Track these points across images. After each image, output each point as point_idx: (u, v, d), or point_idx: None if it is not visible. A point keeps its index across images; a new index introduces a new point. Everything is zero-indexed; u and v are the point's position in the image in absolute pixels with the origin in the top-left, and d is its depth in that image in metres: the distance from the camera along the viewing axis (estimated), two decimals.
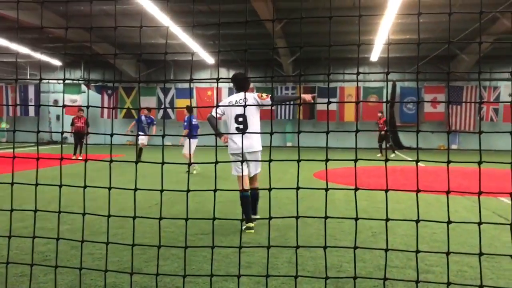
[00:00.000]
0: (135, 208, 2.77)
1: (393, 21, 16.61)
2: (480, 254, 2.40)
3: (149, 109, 15.64)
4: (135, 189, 2.77)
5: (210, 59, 24.44)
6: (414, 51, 22.73)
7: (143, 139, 14.85)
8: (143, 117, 15.29)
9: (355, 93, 25.41)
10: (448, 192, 2.47)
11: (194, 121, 12.58)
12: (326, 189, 2.60)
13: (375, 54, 22.84)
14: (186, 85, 27.32)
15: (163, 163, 2.76)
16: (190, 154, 8.85)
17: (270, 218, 2.64)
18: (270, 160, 2.67)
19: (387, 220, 2.52)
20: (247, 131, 5.48)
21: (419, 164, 2.63)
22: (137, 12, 16.74)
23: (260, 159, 5.33)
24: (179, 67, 27.30)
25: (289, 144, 26.82)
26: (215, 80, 3.13)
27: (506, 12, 10.59)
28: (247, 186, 5.54)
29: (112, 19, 18.44)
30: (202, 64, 26.06)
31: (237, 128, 5.59)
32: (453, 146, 24.95)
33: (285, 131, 26.40)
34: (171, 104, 27.01)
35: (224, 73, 26.57)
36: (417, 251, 2.51)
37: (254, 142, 5.58)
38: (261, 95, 5.65)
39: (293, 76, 3.57)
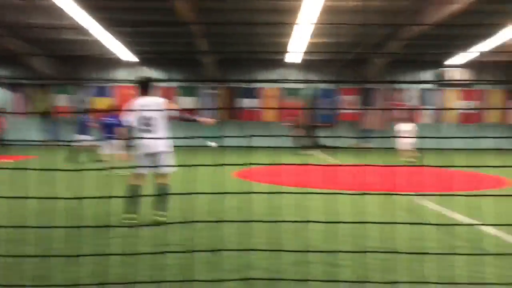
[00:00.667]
0: None
1: (311, 24, 17.24)
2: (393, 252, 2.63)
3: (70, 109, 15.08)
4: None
5: (132, 57, 23.84)
6: (331, 54, 23.75)
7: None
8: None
9: (275, 94, 26.08)
10: (361, 193, 2.70)
11: (113, 120, 12.24)
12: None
13: (293, 56, 23.59)
14: (105, 83, 26.44)
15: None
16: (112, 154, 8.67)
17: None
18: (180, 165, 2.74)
19: (291, 221, 2.69)
20: (155, 132, 5.98)
21: (337, 161, 2.83)
22: (51, 6, 15.96)
23: (168, 160, 6.03)
24: (97, 64, 26.36)
25: (213, 144, 26.79)
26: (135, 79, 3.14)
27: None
28: (139, 182, 6.00)
29: (24, 13, 17.43)
30: (122, 61, 25.36)
31: (144, 130, 6.00)
32: (369, 145, 26.33)
33: (208, 131, 26.44)
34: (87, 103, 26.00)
35: (145, 71, 26.07)
36: (339, 251, 2.70)
37: (161, 144, 5.94)
38: (171, 104, 6.31)
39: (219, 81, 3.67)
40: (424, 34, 18.98)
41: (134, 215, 5.80)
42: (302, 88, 26.47)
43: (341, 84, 26.57)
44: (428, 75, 27.00)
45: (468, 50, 22.07)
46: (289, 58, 24.18)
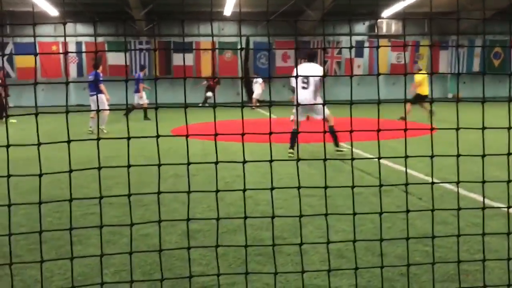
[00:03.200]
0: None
1: None
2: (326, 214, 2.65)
3: None
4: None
5: (53, 11, 22.28)
6: (263, 6, 23.40)
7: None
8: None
9: (211, 47, 25.57)
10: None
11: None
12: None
13: (229, 8, 23.03)
14: (25, 40, 24.72)
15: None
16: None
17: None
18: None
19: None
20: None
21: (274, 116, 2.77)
22: None
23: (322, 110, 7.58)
24: (17, 18, 24.48)
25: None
26: (60, 34, 2.88)
27: None
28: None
29: None
30: (44, 15, 23.67)
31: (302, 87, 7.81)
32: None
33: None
34: (9, 61, 24.29)
35: (70, 27, 24.55)
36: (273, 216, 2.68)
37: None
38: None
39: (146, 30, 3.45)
40: None
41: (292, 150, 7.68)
42: (237, 42, 26.09)
43: (276, 37, 26.41)
44: (362, 27, 27.38)
45: (399, 1, 22.48)
46: (226, 10, 23.56)
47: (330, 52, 26.56)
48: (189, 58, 25.86)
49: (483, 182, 2.59)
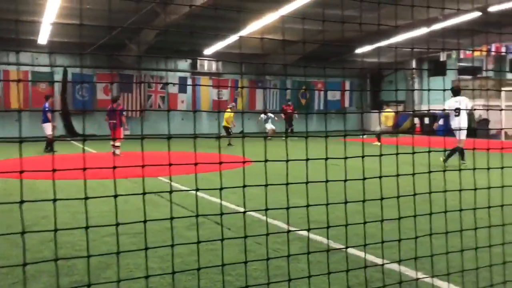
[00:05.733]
0: None
1: (60, 4, 16.00)
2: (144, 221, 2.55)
3: None
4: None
5: None
6: (83, 37, 22.58)
7: None
8: None
9: (24, 77, 23.44)
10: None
11: None
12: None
13: (44, 36, 21.61)
14: None
15: None
16: None
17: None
18: None
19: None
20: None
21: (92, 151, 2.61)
22: None
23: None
24: None
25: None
26: None
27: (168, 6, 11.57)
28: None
29: None
30: None
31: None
32: (126, 132, 26.02)
33: None
34: None
35: None
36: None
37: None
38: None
39: None
40: (178, 24, 19.62)
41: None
42: (52, 72, 24.49)
43: (98, 70, 25.49)
44: (185, 64, 28.15)
45: (219, 41, 23.76)
46: (42, 39, 21.96)
47: (154, 87, 26.66)
48: None
49: (287, 208, 2.84)
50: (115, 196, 2.30)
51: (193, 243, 2.65)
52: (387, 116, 19.74)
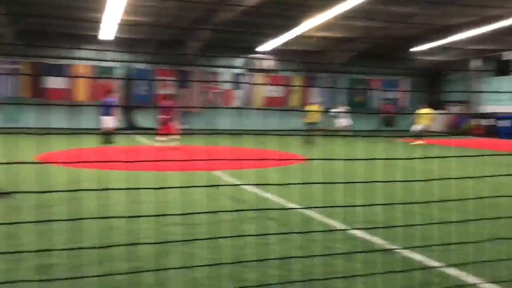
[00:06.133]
0: None
1: (126, 2, 16.59)
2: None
3: None
4: None
5: None
6: (146, 33, 23.31)
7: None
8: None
9: (88, 72, 24.54)
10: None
11: None
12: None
13: (105, 32, 22.48)
14: None
15: None
16: None
17: None
18: None
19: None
20: None
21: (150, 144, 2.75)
22: None
23: None
24: None
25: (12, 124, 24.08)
26: None
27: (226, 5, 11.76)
28: None
29: None
30: None
31: None
32: (186, 126, 26.59)
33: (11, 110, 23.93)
34: None
35: None
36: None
37: None
38: None
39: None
40: (234, 21, 19.85)
41: None
42: (117, 67, 25.47)
43: (157, 65, 26.21)
44: (239, 60, 28.43)
45: (274, 38, 23.81)
46: (103, 35, 22.91)
47: (210, 83, 27.11)
48: (64, 81, 24.54)
49: (332, 206, 2.85)
50: (180, 187, 2.40)
51: (248, 236, 2.71)
52: (425, 116, 19.19)
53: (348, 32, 22.80)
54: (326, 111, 23.64)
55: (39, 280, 2.18)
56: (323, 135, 18.63)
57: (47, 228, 4.60)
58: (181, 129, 17.01)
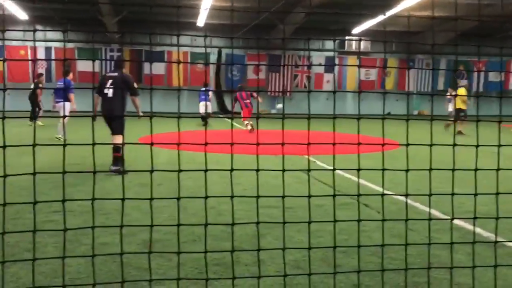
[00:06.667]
0: None
1: None
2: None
3: None
4: None
5: (22, 14, 21.89)
6: (237, 19, 23.63)
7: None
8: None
9: (183, 58, 25.54)
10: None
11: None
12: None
13: (202, 19, 23.14)
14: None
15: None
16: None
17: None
18: None
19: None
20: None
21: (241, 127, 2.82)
22: None
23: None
24: None
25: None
26: (29, 39, 2.88)
27: None
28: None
29: None
30: (13, 19, 23.25)
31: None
32: (273, 111, 26.87)
33: None
34: None
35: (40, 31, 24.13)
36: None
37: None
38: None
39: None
40: (328, 3, 19.48)
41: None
42: (210, 53, 26.22)
43: (248, 50, 26.60)
44: (332, 43, 27.90)
45: (369, 20, 23.05)
46: (200, 21, 23.67)
47: (301, 67, 26.95)
48: (161, 68, 25.79)
49: (430, 194, 2.72)
50: (257, 170, 2.42)
51: (343, 221, 2.66)
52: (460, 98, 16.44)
53: (450, 11, 21.41)
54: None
55: (147, 252, 2.35)
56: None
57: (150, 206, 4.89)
58: (269, 113, 17.21)
